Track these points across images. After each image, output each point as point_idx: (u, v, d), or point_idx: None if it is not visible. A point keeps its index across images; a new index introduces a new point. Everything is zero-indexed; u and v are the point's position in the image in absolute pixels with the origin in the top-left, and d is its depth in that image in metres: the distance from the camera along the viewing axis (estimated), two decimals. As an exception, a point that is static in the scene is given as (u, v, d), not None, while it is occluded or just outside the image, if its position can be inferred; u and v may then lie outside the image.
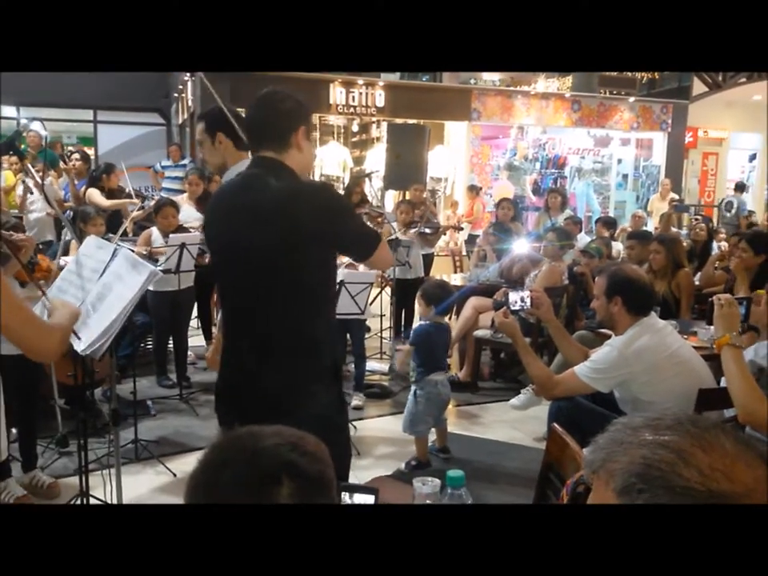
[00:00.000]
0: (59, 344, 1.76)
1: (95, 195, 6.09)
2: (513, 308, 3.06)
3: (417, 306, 3.97)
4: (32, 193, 6.36)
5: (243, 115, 3.13)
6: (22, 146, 6.50)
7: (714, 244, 6.88)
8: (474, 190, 10.07)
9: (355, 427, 4.26)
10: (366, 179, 7.22)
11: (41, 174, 4.91)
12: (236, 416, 2.01)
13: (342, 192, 7.21)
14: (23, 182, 6.45)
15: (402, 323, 6.42)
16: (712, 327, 3.69)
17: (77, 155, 7.07)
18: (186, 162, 8.93)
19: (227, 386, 2.08)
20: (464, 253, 8.96)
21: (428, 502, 1.51)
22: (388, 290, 5.93)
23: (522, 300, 3.09)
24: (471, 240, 9.60)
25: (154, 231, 4.96)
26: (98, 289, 2.59)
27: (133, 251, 4.55)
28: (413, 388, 3.81)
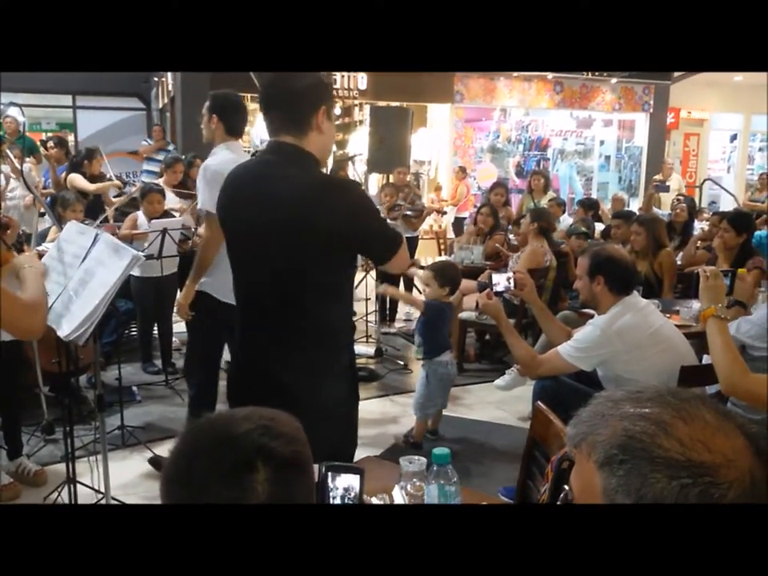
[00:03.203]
0: (41, 317, 1.75)
1: (79, 180, 6.02)
2: (497, 289, 3.08)
3: (423, 287, 3.88)
4: (10, 187, 6.28)
5: (243, 105, 3.39)
6: (0, 132, 6.39)
7: (696, 224, 6.92)
8: (462, 172, 10.07)
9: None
10: (350, 163, 7.19)
11: (19, 160, 4.84)
12: (248, 401, 2.00)
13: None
14: (1, 170, 6.36)
15: (388, 306, 6.44)
16: (695, 302, 3.73)
17: (51, 142, 6.98)
18: (170, 147, 8.84)
19: (241, 376, 2.01)
20: (450, 235, 8.96)
21: (415, 480, 1.52)
22: (373, 273, 5.93)
23: (506, 281, 3.11)
24: (458, 222, 9.60)
25: (140, 216, 4.93)
26: (79, 275, 2.57)
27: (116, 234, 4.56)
28: (423, 370, 3.81)
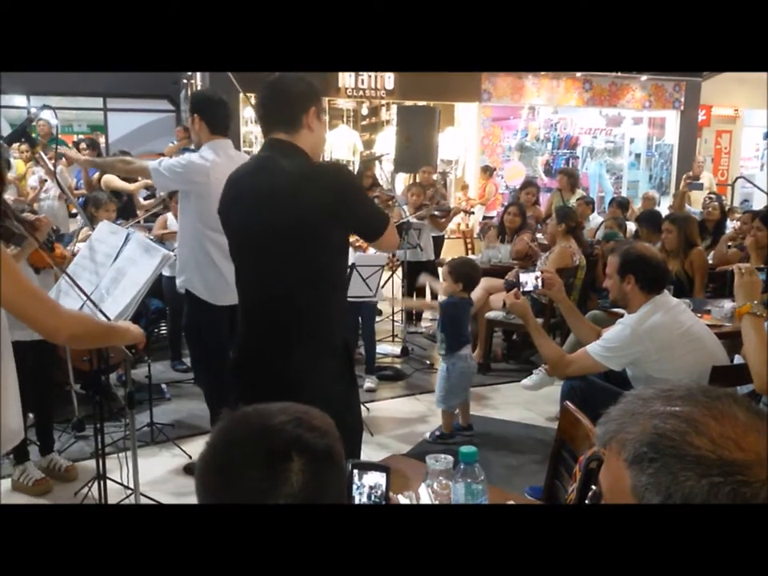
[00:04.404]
0: (67, 326, 1.76)
1: (115, 180, 6.10)
2: (524, 289, 3.06)
3: (442, 282, 4.03)
4: (44, 191, 6.39)
5: (222, 100, 3.38)
6: (33, 135, 6.50)
7: (728, 222, 6.80)
8: (487, 171, 10.01)
9: (368, 408, 4.29)
10: (377, 162, 7.21)
11: (53, 161, 4.93)
12: (249, 393, 2.06)
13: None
14: (33, 171, 6.48)
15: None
16: (727, 301, 3.67)
17: (83, 144, 7.09)
18: (192, 147, 8.92)
19: (242, 363, 2.13)
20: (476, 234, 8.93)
21: (441, 478, 1.52)
22: (399, 272, 5.93)
23: (535, 280, 3.09)
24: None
25: (170, 216, 4.99)
26: (111, 273, 2.61)
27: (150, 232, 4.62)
28: (444, 363, 3.87)
